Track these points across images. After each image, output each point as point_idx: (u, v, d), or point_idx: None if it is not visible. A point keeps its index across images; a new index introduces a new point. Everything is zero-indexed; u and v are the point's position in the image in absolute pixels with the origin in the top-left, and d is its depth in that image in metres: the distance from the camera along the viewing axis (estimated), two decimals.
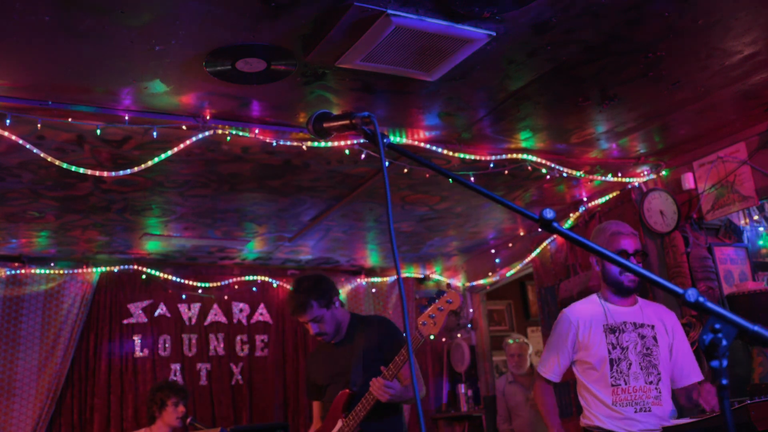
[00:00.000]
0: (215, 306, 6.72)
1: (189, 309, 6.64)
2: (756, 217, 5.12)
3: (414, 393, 3.37)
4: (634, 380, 3.01)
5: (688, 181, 4.91)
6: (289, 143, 4.04)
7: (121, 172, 4.00)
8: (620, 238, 3.11)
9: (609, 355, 3.05)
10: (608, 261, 1.26)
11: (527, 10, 2.99)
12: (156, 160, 3.97)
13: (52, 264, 6.09)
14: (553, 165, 4.75)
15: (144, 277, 6.45)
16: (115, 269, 6.35)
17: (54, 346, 5.90)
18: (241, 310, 6.87)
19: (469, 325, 7.38)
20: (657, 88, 3.88)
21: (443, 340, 7.67)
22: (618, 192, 5.38)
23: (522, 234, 6.53)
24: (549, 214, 1.24)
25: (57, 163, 3.84)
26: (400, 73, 3.43)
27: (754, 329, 1.07)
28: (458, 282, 7.51)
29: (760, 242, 5.13)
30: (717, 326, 1.08)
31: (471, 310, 7.39)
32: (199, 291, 6.66)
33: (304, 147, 4.10)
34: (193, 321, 6.61)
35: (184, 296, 6.61)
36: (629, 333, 3.09)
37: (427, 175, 4.79)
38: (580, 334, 3.14)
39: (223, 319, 6.75)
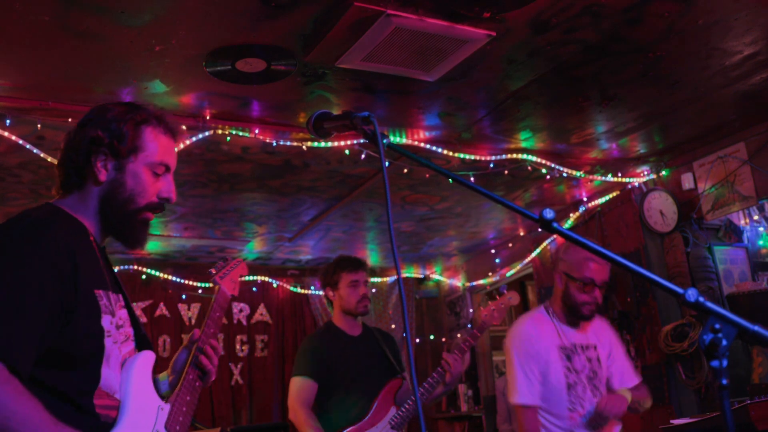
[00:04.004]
0: None
1: (189, 309, 6.64)
2: (756, 217, 5.12)
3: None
4: (588, 404, 2.89)
5: (688, 181, 4.91)
6: (289, 143, 4.04)
7: None
8: (590, 265, 2.87)
9: (566, 379, 2.88)
10: (608, 260, 1.26)
11: (527, 10, 2.99)
12: None
13: None
14: (553, 165, 4.75)
15: (144, 277, 6.45)
16: (115, 269, 6.27)
17: None
18: (241, 311, 6.87)
19: (469, 325, 7.38)
20: (657, 88, 3.88)
21: (443, 340, 7.67)
22: (618, 192, 5.38)
23: (522, 234, 6.53)
24: (549, 214, 1.24)
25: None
26: (400, 73, 3.43)
27: (754, 329, 1.07)
28: (458, 282, 7.51)
29: (760, 242, 5.13)
30: (717, 326, 1.08)
31: (471, 310, 7.39)
32: (199, 291, 6.65)
33: (304, 147, 4.10)
34: (193, 321, 6.62)
35: (184, 296, 6.61)
36: (580, 356, 2.94)
37: (427, 175, 4.79)
38: (543, 357, 2.90)
39: (223, 320, 6.75)
